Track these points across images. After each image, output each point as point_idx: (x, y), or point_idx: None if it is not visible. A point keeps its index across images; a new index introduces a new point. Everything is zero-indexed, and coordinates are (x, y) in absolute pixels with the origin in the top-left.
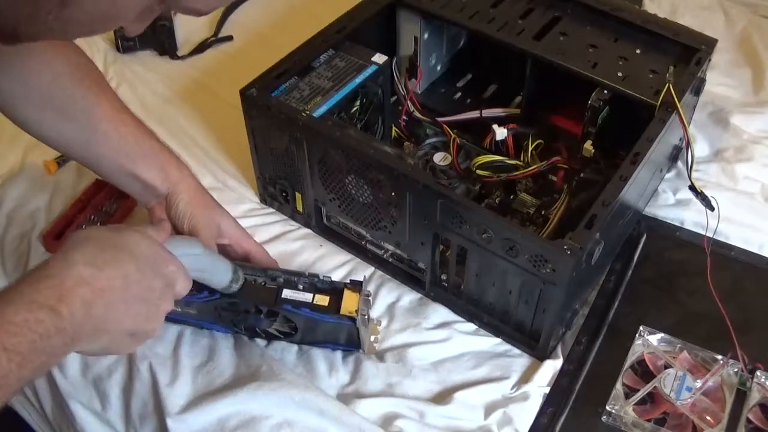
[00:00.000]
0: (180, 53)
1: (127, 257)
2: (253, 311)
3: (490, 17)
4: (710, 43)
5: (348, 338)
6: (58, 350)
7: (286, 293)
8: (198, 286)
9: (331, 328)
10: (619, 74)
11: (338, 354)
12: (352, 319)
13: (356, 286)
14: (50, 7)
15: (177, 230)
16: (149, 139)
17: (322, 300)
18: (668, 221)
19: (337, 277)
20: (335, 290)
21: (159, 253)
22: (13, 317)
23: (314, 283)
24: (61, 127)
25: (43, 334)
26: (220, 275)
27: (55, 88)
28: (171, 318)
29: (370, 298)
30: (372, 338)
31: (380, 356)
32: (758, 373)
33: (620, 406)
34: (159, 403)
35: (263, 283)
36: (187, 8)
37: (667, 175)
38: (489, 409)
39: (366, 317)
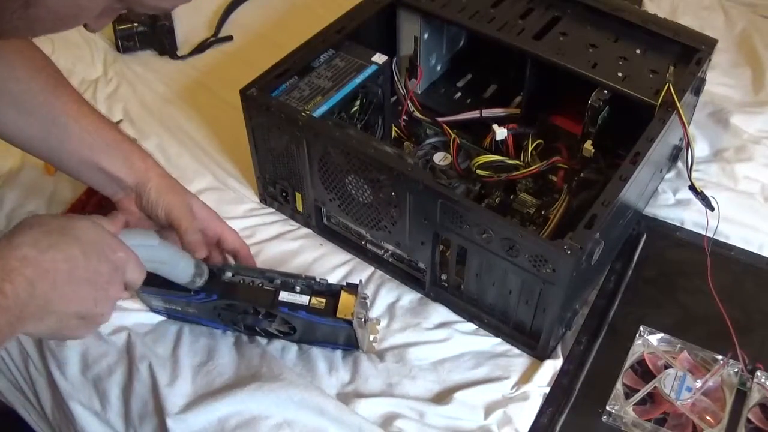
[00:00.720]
0: (180, 53)
1: (72, 241)
2: (251, 312)
3: (490, 17)
4: (710, 43)
5: (346, 339)
6: (4, 329)
7: (283, 295)
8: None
9: (329, 329)
10: (619, 74)
11: (338, 353)
12: (349, 322)
13: (353, 288)
14: (15, 6)
15: (153, 220)
16: (111, 131)
17: (319, 303)
18: (668, 221)
19: (337, 276)
20: (332, 293)
21: (106, 239)
22: None
23: (311, 285)
24: (20, 123)
25: None
26: (181, 269)
27: (11, 83)
28: (172, 315)
29: (367, 300)
30: (371, 338)
31: (380, 356)
32: (758, 373)
33: (620, 406)
34: (159, 403)
35: (261, 285)
36: (147, 6)
37: (667, 175)
38: (489, 409)
39: (363, 319)
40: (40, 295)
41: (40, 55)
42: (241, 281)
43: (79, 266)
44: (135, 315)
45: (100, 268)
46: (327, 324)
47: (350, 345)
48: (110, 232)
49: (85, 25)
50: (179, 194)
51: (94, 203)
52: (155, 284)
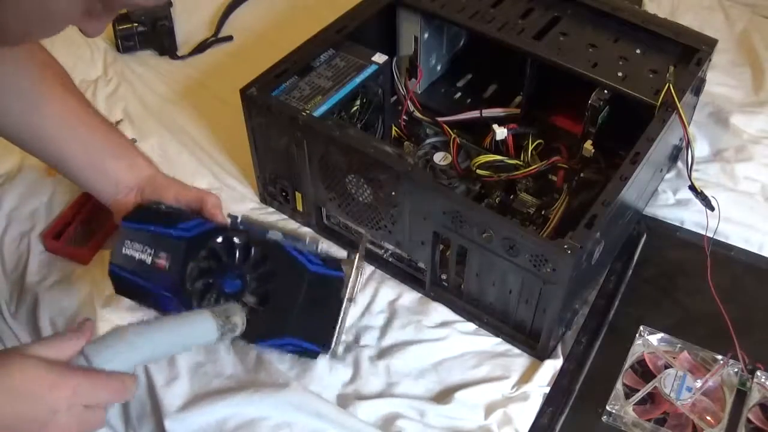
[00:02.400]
0: (180, 53)
1: None
2: (229, 265)
3: (490, 17)
4: (710, 43)
5: (325, 309)
6: None
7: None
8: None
9: (312, 291)
10: (619, 74)
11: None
12: (340, 269)
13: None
14: None
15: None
16: (116, 134)
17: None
18: (668, 221)
19: None
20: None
21: (39, 378)
22: None
23: (313, 250)
24: (25, 123)
25: None
26: (199, 338)
27: (19, 80)
28: (134, 290)
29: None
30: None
31: (380, 356)
32: (758, 373)
33: (620, 406)
34: (157, 404)
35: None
36: (130, 3)
37: (667, 175)
38: (489, 409)
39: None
40: None
41: (45, 54)
42: (244, 326)
43: (4, 417)
44: (131, 317)
45: (30, 412)
46: (316, 271)
47: (323, 333)
48: (56, 361)
49: (81, 30)
50: (169, 188)
51: (92, 204)
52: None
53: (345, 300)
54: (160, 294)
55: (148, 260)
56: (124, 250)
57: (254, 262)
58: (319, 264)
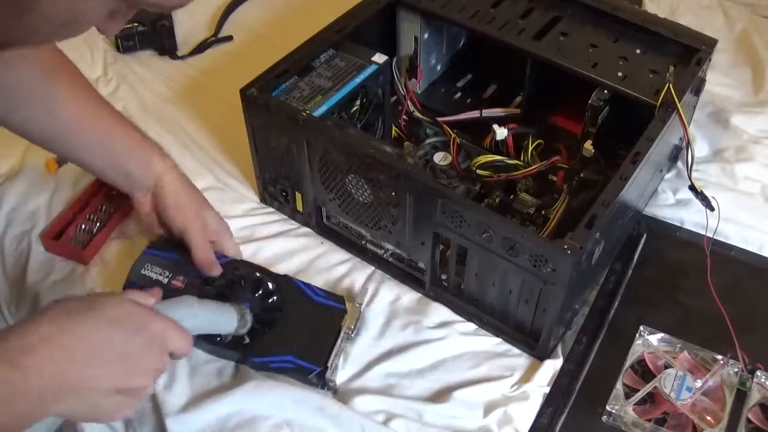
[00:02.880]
0: (180, 53)
1: (96, 316)
2: (254, 276)
3: (490, 17)
4: (710, 43)
5: (325, 335)
6: (35, 405)
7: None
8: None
9: (313, 322)
10: (619, 74)
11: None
12: (342, 302)
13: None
14: (7, 16)
15: (165, 226)
16: (133, 131)
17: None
18: (668, 221)
19: (336, 275)
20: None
21: (137, 312)
22: None
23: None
24: (44, 123)
25: (10, 393)
26: (225, 325)
27: (34, 82)
28: None
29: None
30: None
31: (380, 356)
32: (758, 373)
33: (620, 406)
34: (157, 404)
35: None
36: (153, 4)
37: (667, 175)
38: (489, 408)
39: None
40: (68, 371)
41: (58, 54)
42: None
43: (104, 342)
44: None
45: (131, 342)
46: (319, 300)
47: (316, 358)
48: (141, 304)
49: (99, 30)
50: (194, 204)
51: (92, 204)
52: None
53: (344, 329)
54: None
55: (165, 281)
56: (142, 271)
57: (264, 293)
58: (322, 296)
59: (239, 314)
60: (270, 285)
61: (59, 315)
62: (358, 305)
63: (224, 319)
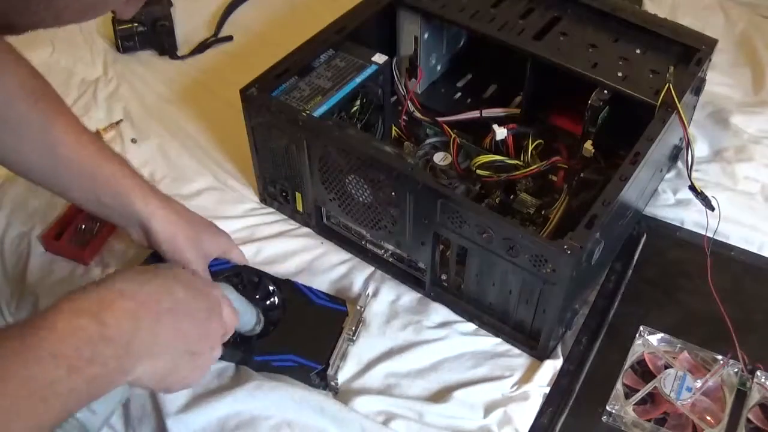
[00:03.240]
0: (180, 53)
1: (169, 276)
2: (255, 280)
3: (490, 17)
4: (710, 43)
5: (326, 335)
6: (111, 361)
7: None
8: None
9: (315, 323)
10: (619, 74)
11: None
12: (344, 304)
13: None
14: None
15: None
16: (111, 164)
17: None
18: (668, 221)
19: (336, 275)
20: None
21: (200, 279)
22: (56, 324)
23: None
24: (21, 155)
25: (87, 339)
26: (248, 318)
27: (9, 110)
28: None
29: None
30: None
31: (380, 356)
32: (758, 373)
33: (620, 406)
34: (157, 404)
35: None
36: None
37: (667, 175)
38: (489, 409)
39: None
40: (144, 327)
41: (37, 81)
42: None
43: (179, 300)
44: None
45: (199, 304)
46: (320, 303)
47: (317, 359)
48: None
49: (113, 14)
50: (189, 240)
51: None
52: None
53: (345, 330)
54: None
55: None
56: None
57: (266, 294)
58: (324, 299)
59: (257, 313)
60: (271, 287)
61: (131, 276)
62: (359, 308)
63: (249, 313)
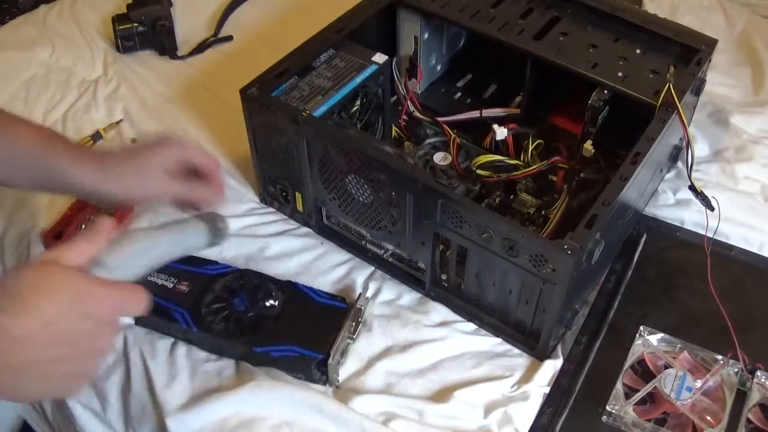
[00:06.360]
0: (180, 53)
1: (46, 303)
2: (255, 284)
3: (490, 17)
4: (710, 43)
5: (327, 328)
6: None
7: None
8: None
9: (316, 317)
10: (619, 74)
11: None
12: (344, 301)
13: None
14: None
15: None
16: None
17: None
18: (668, 221)
19: (336, 275)
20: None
21: (84, 292)
22: None
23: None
24: (15, 179)
25: None
26: (193, 240)
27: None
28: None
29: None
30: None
31: (380, 355)
32: (758, 373)
33: (620, 406)
34: (157, 403)
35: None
36: None
37: (667, 175)
38: (489, 409)
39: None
40: (13, 365)
41: (22, 126)
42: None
43: (54, 330)
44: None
45: (81, 327)
46: (322, 302)
47: (316, 351)
48: (85, 277)
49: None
50: (127, 176)
51: (92, 204)
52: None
53: (345, 327)
54: (174, 309)
55: (171, 285)
56: (149, 278)
57: (266, 292)
58: (325, 297)
59: (208, 224)
60: (272, 284)
61: (13, 300)
62: (359, 307)
63: (188, 234)
